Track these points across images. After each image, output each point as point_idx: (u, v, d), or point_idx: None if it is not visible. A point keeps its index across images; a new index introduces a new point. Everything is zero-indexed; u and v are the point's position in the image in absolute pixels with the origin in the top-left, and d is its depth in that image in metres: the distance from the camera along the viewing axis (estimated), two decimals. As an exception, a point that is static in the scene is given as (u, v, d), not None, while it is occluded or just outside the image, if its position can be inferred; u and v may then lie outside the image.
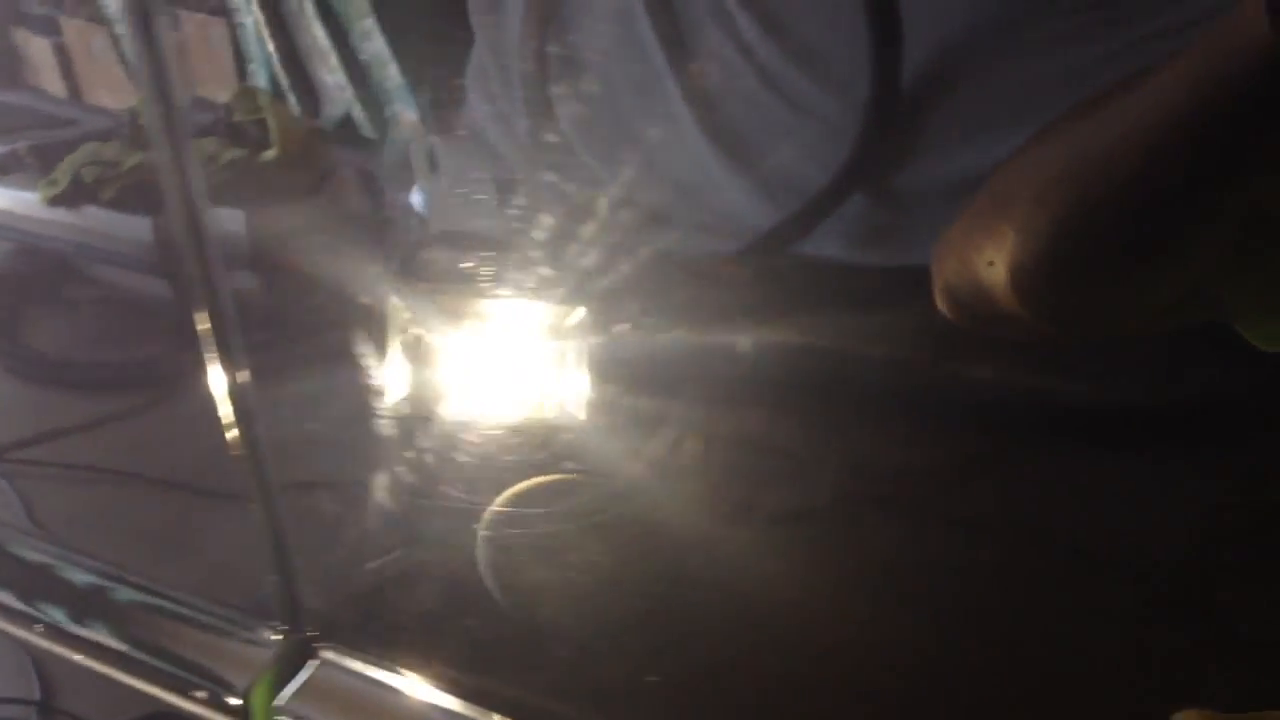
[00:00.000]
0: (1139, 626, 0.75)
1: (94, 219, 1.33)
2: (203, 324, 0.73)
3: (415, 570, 0.79)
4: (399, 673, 0.75)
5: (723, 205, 1.08)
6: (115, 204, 1.31)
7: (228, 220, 1.24)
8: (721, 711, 0.73)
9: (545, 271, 0.86)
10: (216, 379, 0.75)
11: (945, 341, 0.79)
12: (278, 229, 1.27)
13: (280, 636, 0.80)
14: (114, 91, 1.88)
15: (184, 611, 0.82)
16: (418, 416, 0.82)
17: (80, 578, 0.84)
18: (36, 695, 0.81)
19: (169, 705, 0.78)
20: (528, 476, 0.80)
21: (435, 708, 0.73)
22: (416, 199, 1.19)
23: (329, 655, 0.78)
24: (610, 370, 0.83)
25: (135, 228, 1.29)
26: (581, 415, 0.83)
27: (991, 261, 0.54)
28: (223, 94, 1.72)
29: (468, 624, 0.79)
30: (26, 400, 1.20)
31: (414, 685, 0.74)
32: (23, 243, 1.43)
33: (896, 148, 1.06)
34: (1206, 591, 0.77)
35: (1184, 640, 0.74)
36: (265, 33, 1.45)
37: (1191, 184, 0.48)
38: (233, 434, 0.73)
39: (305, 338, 1.16)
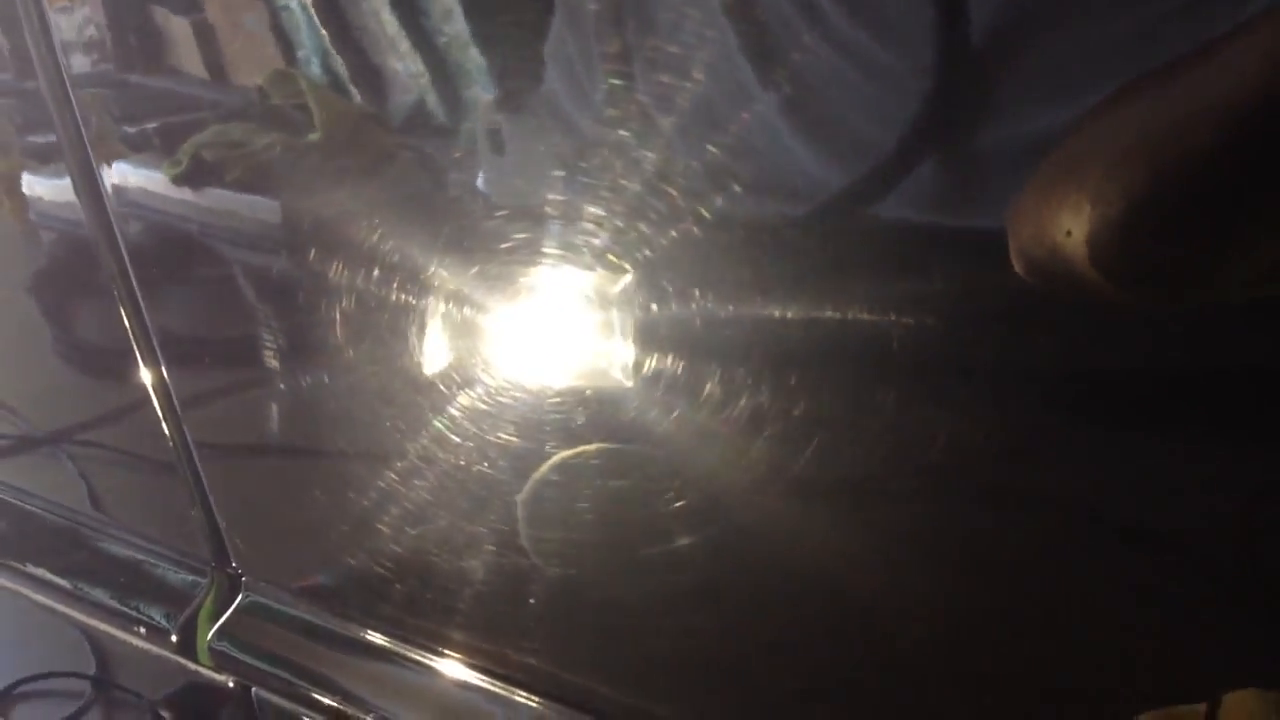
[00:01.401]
0: (1193, 605, 0.72)
1: (217, 199, 1.37)
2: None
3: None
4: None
5: (789, 166, 1.06)
6: (240, 184, 1.34)
7: (263, 206, 1.27)
8: (769, 688, 0.72)
9: (598, 239, 0.85)
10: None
11: (1011, 311, 0.75)
12: (327, 212, 1.29)
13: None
14: (266, 70, 1.93)
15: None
16: (459, 385, 0.83)
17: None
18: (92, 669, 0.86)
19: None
20: (570, 445, 0.80)
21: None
22: (481, 179, 1.19)
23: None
24: (662, 338, 0.82)
25: (260, 208, 1.32)
26: (629, 383, 0.81)
27: (1069, 231, 0.53)
28: (261, 79, 1.76)
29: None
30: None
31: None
32: (152, 220, 1.49)
33: (968, 108, 1.02)
34: (1264, 572, 0.72)
35: (1239, 620, 0.71)
36: (318, 19, 1.47)
37: (1269, 155, 0.46)
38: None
39: (343, 315, 1.19)
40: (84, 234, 1.46)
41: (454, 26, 1.43)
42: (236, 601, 0.88)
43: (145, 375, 1.05)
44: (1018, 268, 0.58)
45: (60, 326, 1.35)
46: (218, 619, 0.85)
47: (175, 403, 1.09)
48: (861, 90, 1.04)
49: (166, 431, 1.00)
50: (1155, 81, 0.51)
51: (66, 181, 1.48)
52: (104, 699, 0.81)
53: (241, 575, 0.91)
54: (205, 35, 2.07)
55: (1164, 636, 0.70)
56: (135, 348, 1.14)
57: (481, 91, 1.58)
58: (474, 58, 1.39)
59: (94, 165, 1.46)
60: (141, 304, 1.10)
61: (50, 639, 0.88)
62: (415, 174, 1.33)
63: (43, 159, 1.66)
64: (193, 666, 0.83)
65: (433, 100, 1.54)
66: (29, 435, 1.18)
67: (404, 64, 1.52)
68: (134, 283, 1.13)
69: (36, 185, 1.54)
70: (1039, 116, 0.98)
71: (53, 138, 1.68)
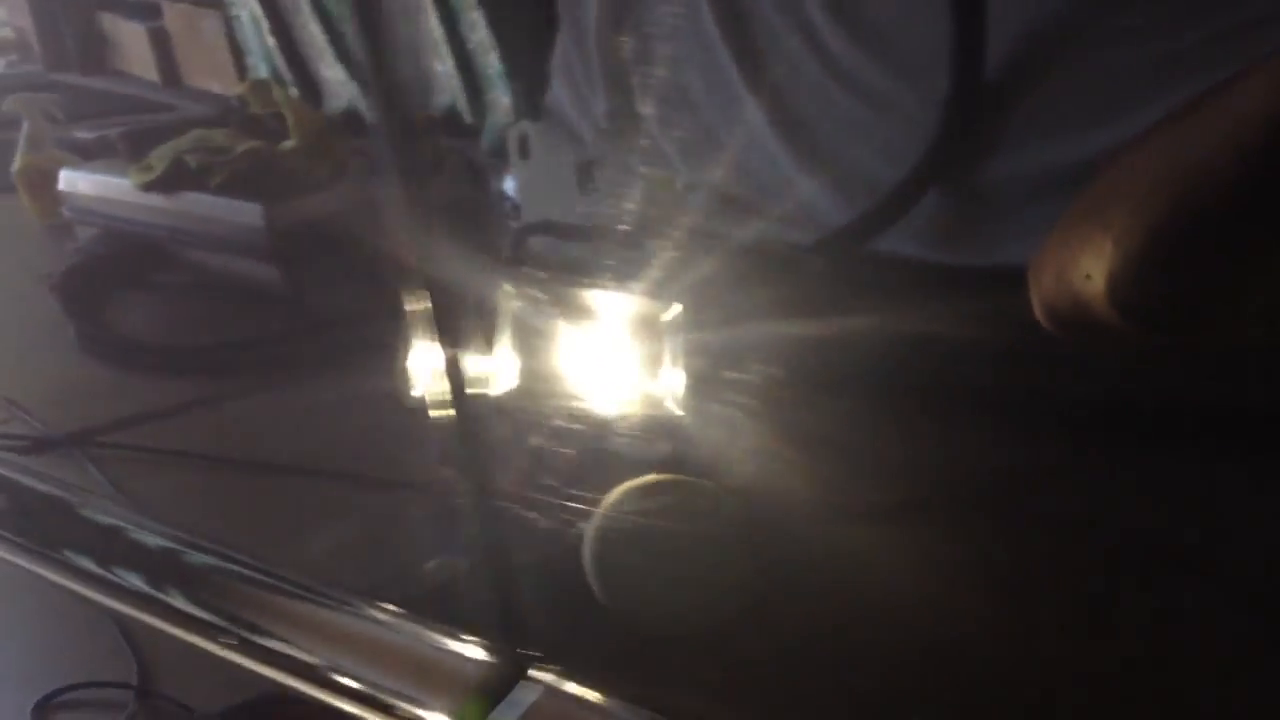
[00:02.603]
0: (1236, 632, 0.73)
1: (195, 204, 1.36)
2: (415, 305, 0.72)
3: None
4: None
5: (797, 198, 1.09)
6: (223, 190, 1.33)
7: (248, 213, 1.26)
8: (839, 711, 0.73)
9: (642, 263, 0.86)
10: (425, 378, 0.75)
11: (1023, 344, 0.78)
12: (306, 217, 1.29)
13: (490, 655, 0.74)
14: (221, 77, 1.91)
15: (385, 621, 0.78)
16: (526, 408, 0.82)
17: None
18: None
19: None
20: (629, 473, 0.79)
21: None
22: (510, 184, 1.21)
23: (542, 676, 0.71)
24: (709, 366, 0.83)
25: (244, 213, 1.30)
26: (680, 411, 0.82)
27: (1089, 274, 0.54)
28: (215, 84, 1.76)
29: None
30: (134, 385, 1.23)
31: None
32: (111, 227, 1.47)
33: (976, 144, 1.05)
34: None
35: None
36: (265, 26, 1.48)
37: None
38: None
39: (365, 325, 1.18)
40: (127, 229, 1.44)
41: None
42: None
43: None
44: (1041, 319, 0.58)
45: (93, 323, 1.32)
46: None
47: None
48: (866, 123, 1.08)
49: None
50: (1170, 124, 0.52)
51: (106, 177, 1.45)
52: (148, 710, 0.81)
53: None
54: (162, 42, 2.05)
55: (1209, 664, 0.70)
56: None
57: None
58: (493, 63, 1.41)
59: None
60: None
61: (88, 645, 0.88)
62: (370, 180, 1.35)
63: (84, 154, 1.63)
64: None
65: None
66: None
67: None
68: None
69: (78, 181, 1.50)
70: (1045, 152, 1.03)
71: (94, 134, 1.65)
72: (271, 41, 1.55)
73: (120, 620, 0.90)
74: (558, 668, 0.71)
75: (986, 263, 1.00)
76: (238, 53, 1.80)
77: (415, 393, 0.79)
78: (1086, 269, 0.53)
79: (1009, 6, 0.98)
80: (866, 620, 0.75)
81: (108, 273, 1.45)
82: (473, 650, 0.74)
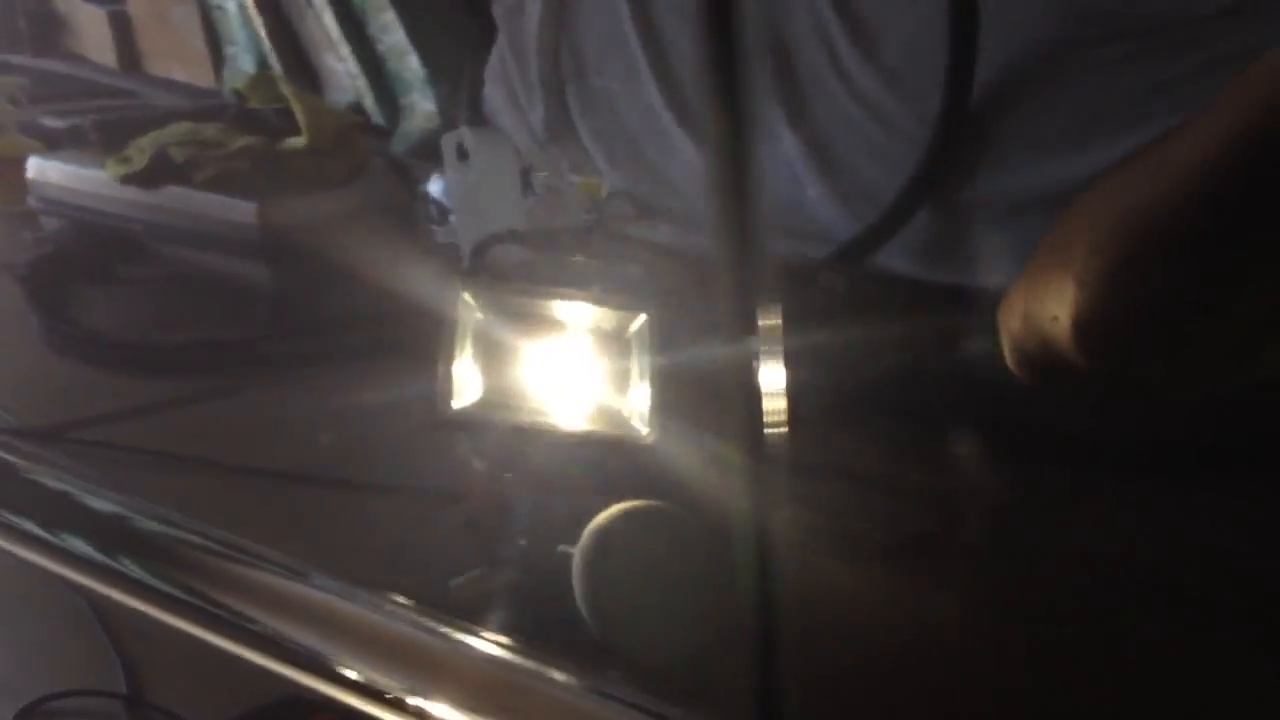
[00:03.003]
0: (1242, 661, 0.75)
1: (178, 199, 1.32)
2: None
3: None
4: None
5: (802, 210, 1.10)
6: (213, 186, 1.29)
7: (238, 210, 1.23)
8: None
9: (601, 272, 0.85)
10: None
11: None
12: (306, 218, 1.27)
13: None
14: (189, 65, 1.88)
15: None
16: (488, 422, 0.80)
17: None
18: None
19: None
20: (602, 498, 0.77)
21: None
22: (435, 187, 1.19)
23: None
24: (677, 383, 0.81)
25: (235, 211, 1.26)
26: (646, 430, 0.79)
27: (1055, 316, 0.54)
28: (181, 73, 1.73)
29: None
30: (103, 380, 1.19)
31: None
32: (82, 219, 1.42)
33: (964, 161, 1.07)
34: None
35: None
36: (257, 19, 1.46)
37: (1230, 232, 0.49)
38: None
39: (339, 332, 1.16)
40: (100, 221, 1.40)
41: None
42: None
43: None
44: (1010, 362, 0.59)
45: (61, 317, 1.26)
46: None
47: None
48: (874, 139, 1.09)
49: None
50: (1122, 171, 0.54)
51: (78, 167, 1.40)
52: None
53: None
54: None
55: (1215, 693, 0.71)
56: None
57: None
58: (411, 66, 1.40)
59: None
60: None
61: (71, 649, 0.83)
62: (388, 182, 1.32)
63: (50, 141, 1.57)
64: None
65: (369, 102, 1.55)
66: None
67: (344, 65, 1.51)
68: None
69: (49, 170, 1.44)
70: (1026, 172, 1.05)
71: (64, 122, 1.59)
72: (264, 32, 1.52)
73: (108, 624, 0.86)
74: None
75: (969, 283, 1.02)
76: (214, 42, 1.78)
77: (455, 403, 0.76)
78: (1053, 311, 0.54)
79: (1000, 35, 1.01)
80: (868, 655, 0.74)
81: (77, 265, 1.40)
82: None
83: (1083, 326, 0.53)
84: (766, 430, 0.39)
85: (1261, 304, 0.51)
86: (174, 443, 1.05)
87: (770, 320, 0.37)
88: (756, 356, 0.40)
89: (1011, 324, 0.58)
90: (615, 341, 0.77)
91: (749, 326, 0.39)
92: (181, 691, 0.79)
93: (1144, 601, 0.80)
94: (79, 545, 0.78)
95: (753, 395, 0.39)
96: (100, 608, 0.86)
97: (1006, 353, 0.60)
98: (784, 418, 0.41)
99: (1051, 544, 0.85)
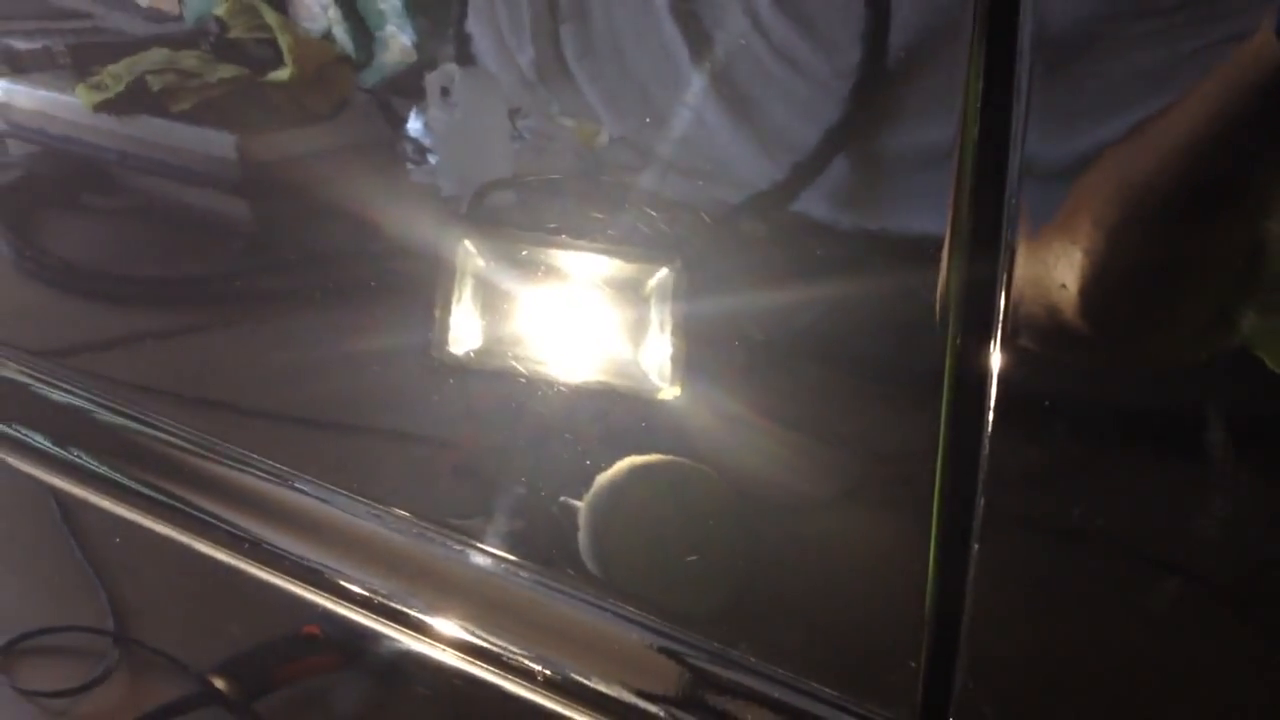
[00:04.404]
0: (1225, 641, 0.74)
1: (155, 130, 1.29)
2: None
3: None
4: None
5: (724, 157, 1.09)
6: (191, 117, 1.26)
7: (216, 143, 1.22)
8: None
9: (622, 223, 0.84)
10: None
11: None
12: (288, 153, 1.25)
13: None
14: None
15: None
16: (490, 371, 0.79)
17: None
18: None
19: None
20: (611, 451, 0.77)
21: None
22: (415, 126, 1.18)
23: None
24: (701, 338, 0.80)
25: (214, 144, 1.24)
26: (666, 384, 0.78)
27: (1064, 284, 0.57)
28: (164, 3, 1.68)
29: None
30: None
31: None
32: (51, 146, 1.39)
33: (882, 112, 1.07)
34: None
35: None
36: None
37: (1217, 200, 0.52)
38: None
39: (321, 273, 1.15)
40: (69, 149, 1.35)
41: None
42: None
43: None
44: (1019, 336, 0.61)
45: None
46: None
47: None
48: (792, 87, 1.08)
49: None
50: (1127, 140, 0.56)
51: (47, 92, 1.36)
52: (131, 661, 0.75)
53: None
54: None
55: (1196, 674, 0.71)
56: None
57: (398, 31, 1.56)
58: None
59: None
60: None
61: (57, 585, 0.82)
62: (371, 119, 1.30)
63: (14, 64, 1.52)
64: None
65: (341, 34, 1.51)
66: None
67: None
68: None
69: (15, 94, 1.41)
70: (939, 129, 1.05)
71: (29, 45, 1.54)
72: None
73: (92, 557, 0.85)
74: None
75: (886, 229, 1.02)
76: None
77: (453, 349, 0.76)
78: (1062, 278, 0.57)
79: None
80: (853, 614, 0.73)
81: (45, 192, 1.37)
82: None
83: (1088, 296, 0.56)
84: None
85: (1233, 279, 0.55)
86: (151, 377, 1.04)
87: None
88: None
89: (1025, 295, 0.60)
90: (633, 293, 0.77)
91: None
92: (172, 630, 0.78)
93: (1117, 577, 0.81)
94: (83, 457, 0.77)
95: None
96: (83, 539, 0.85)
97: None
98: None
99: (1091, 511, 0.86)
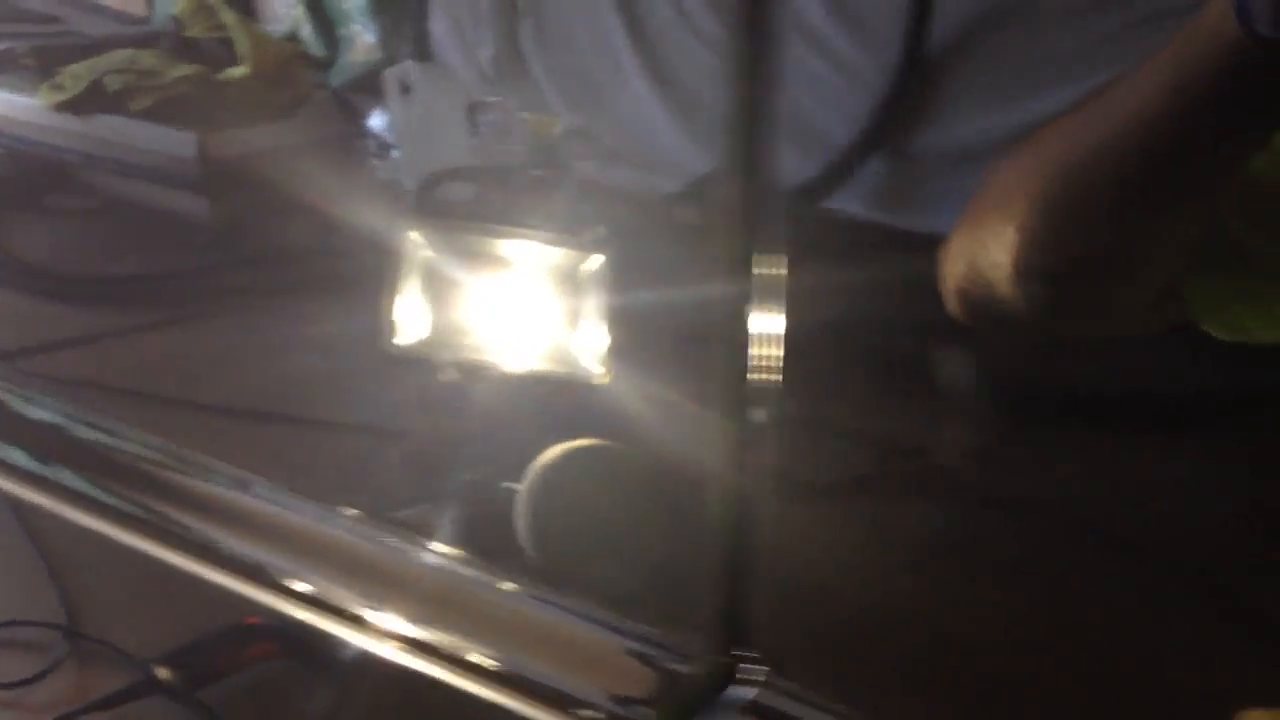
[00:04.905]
0: (1177, 616, 0.77)
1: (114, 129, 1.29)
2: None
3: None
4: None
5: (666, 146, 1.10)
6: (149, 116, 1.27)
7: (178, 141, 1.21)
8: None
9: (559, 213, 0.84)
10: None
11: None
12: (248, 150, 1.25)
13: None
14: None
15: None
16: (435, 359, 0.80)
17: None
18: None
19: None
20: (549, 436, 0.77)
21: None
22: (378, 122, 1.18)
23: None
24: (629, 323, 0.81)
25: (173, 142, 1.24)
26: (600, 369, 0.80)
27: (998, 262, 0.55)
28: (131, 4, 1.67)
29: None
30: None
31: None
32: (11, 147, 1.39)
33: (918, 109, 1.08)
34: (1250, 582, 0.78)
35: (1233, 636, 0.76)
36: None
37: (1168, 177, 0.50)
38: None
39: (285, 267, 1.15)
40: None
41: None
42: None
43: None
44: (952, 308, 0.60)
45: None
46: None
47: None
48: (825, 82, 1.09)
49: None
50: (1070, 116, 0.55)
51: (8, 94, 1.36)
52: (79, 653, 0.75)
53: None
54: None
55: (1155, 651, 0.72)
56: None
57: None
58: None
59: None
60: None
61: (7, 580, 0.82)
62: (331, 114, 1.31)
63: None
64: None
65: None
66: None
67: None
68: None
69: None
70: (979, 120, 1.06)
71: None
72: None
73: (46, 554, 0.85)
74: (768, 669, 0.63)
75: (920, 227, 1.03)
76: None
77: (398, 340, 0.76)
78: (996, 257, 0.55)
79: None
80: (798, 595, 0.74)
81: (9, 194, 1.37)
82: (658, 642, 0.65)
83: (1023, 274, 0.54)
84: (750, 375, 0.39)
85: (1178, 254, 0.54)
86: (111, 375, 1.04)
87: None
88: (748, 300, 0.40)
89: (955, 269, 0.59)
90: (569, 281, 0.77)
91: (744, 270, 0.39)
92: (120, 623, 0.78)
93: (1079, 554, 0.82)
94: (16, 456, 0.77)
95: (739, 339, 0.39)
96: (38, 538, 0.85)
97: (948, 297, 0.61)
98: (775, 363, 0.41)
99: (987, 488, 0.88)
